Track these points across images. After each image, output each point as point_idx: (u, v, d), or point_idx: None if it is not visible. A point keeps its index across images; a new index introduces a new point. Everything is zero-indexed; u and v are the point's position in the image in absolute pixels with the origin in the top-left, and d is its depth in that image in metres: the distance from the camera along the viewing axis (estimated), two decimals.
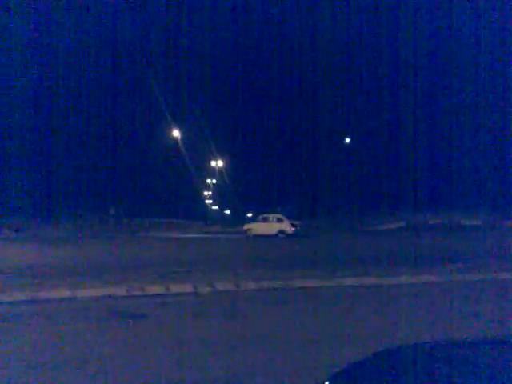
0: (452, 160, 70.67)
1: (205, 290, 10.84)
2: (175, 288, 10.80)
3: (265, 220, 32.11)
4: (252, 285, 11.27)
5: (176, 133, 49.47)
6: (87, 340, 6.87)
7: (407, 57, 74.54)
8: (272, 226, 31.44)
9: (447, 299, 10.06)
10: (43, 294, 9.99)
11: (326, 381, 1.79)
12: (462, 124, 70.75)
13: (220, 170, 64.97)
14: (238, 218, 74.88)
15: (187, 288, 10.87)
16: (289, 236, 30.99)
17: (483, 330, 7.04)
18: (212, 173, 67.01)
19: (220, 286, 11.08)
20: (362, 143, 70.68)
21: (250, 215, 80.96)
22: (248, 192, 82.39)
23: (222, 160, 63.98)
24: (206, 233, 46.44)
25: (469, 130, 69.27)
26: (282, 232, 31.26)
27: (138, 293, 10.41)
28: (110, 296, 10.14)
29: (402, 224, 43.10)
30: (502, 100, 65.84)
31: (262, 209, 73.10)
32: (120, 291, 10.38)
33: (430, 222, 43.42)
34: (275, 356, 5.96)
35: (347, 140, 57.33)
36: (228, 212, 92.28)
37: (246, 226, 33.55)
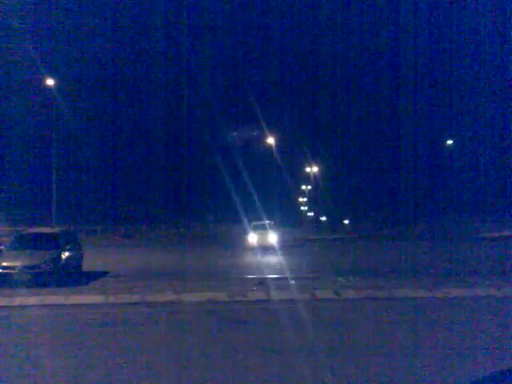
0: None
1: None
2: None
3: None
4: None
5: (271, 140, 50.04)
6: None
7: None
8: None
9: None
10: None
11: None
12: None
13: (315, 175, 64.70)
14: (334, 225, 74.01)
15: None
16: None
17: None
18: (307, 179, 66.94)
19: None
20: (466, 147, 66.90)
21: (346, 222, 79.69)
22: (345, 198, 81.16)
23: (318, 166, 63.68)
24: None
25: None
26: None
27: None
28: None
29: (509, 232, 40.04)
30: None
31: (359, 215, 71.56)
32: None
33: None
34: None
35: (449, 142, 54.44)
36: (324, 219, 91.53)
37: None
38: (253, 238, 26.06)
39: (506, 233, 39.36)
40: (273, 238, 26.22)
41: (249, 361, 6.23)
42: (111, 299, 10.55)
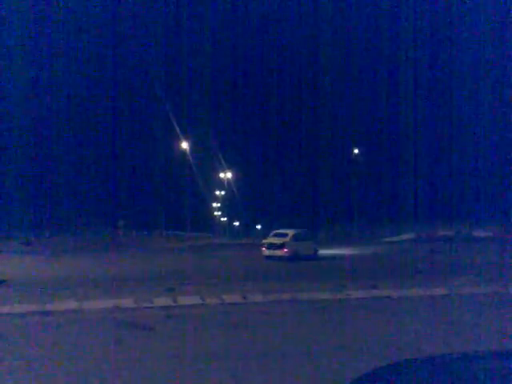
0: (464, 171, 70.43)
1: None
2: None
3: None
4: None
5: (184, 144, 49.63)
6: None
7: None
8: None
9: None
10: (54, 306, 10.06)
11: None
12: (470, 132, 70.58)
13: (229, 181, 65.09)
14: (247, 230, 74.90)
15: None
16: None
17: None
18: (221, 184, 67.19)
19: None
20: (371, 154, 70.52)
21: (258, 227, 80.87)
22: (257, 203, 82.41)
23: (231, 171, 64.11)
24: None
25: (476, 139, 69.10)
26: None
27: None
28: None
29: (412, 236, 42.83)
30: None
31: (272, 221, 72.92)
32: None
33: (441, 234, 43.18)
34: None
35: (356, 151, 57.21)
36: (237, 224, 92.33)
37: None
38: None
39: (407, 236, 42.00)
40: None
41: (155, 369, 6.09)
42: (5, 309, 9.87)
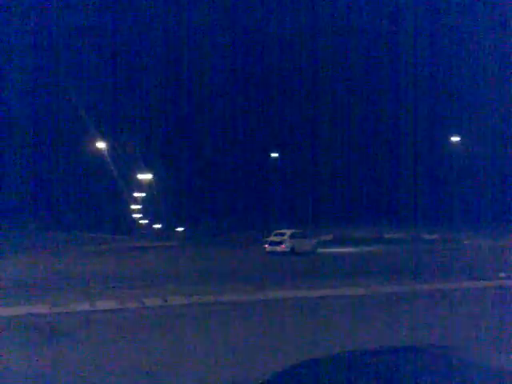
0: (383, 173, 73.95)
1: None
2: None
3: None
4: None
5: (101, 144, 47.57)
6: None
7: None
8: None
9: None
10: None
11: None
12: (386, 137, 74.33)
13: (149, 182, 63.78)
14: (169, 233, 73.85)
15: None
16: None
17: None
18: (141, 186, 65.67)
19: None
20: (292, 156, 72.16)
21: (181, 229, 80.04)
22: (179, 205, 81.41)
23: (152, 172, 62.84)
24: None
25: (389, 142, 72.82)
26: None
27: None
28: None
29: (330, 237, 44.32)
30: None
31: (196, 223, 72.38)
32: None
33: (357, 235, 45.08)
34: None
35: (274, 155, 58.25)
36: (159, 226, 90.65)
37: None
38: None
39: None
40: None
41: (69, 378, 5.88)
42: None
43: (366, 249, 32.75)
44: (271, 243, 27.57)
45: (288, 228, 29.55)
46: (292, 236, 27.42)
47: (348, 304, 11.03)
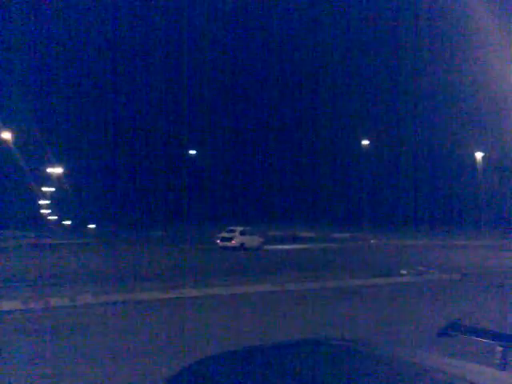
0: (293, 174, 75.90)
1: None
2: None
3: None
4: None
5: (6, 135, 44.04)
6: None
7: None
8: None
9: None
10: None
11: None
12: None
13: (59, 177, 60.67)
14: (80, 229, 70.82)
15: None
16: None
17: None
18: (50, 180, 62.29)
19: None
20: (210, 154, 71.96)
21: (92, 226, 77.00)
22: (91, 202, 78.32)
23: (62, 166, 59.80)
24: None
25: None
26: None
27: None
28: None
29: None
30: None
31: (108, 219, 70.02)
32: None
33: (270, 234, 45.96)
34: None
35: (192, 152, 57.95)
36: (69, 223, 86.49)
37: None
38: None
39: None
40: None
41: None
42: None
43: (286, 247, 33.52)
44: (223, 239, 29.70)
45: (236, 226, 32.02)
46: (242, 233, 29.62)
47: (260, 300, 11.26)
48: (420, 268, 16.99)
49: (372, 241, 40.12)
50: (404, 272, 16.15)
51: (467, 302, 11.05)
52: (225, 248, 28.72)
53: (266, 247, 30.87)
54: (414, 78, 75.23)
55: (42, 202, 72.91)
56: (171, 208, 69.56)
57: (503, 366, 2.57)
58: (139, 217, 66.62)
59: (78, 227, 76.63)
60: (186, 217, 61.32)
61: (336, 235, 45.97)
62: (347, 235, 45.53)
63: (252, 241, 29.87)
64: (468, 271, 16.97)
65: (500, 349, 2.61)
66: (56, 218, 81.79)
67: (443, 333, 2.93)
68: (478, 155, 50.76)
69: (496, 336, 2.71)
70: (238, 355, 2.28)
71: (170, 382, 2.02)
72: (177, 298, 11.38)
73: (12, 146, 45.22)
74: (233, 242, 28.98)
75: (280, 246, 33.38)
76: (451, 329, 2.87)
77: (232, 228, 30.92)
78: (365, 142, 49.77)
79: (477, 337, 2.80)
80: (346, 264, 19.41)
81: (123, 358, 6.44)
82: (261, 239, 30.85)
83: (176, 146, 73.45)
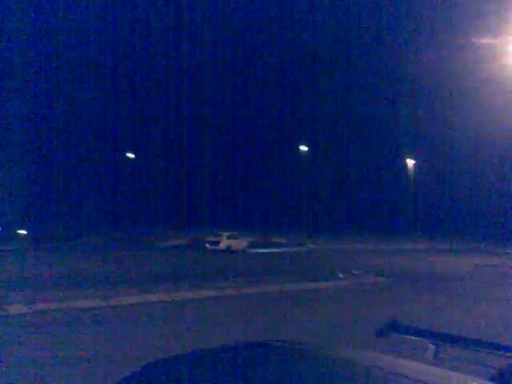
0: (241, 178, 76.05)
1: None
2: None
3: None
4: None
5: None
6: None
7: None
8: None
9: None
10: None
11: None
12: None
13: None
14: (8, 235, 67.25)
15: None
16: None
17: None
18: None
19: None
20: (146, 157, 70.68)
21: (23, 232, 73.34)
22: (23, 206, 74.53)
23: None
24: None
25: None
26: None
27: None
28: None
29: (186, 241, 44.19)
30: None
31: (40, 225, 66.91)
32: None
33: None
34: None
35: (130, 155, 56.80)
36: None
37: None
38: None
39: (180, 242, 43.23)
40: None
41: None
42: None
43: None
44: (211, 243, 31.76)
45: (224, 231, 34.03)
46: (229, 237, 31.82)
47: (196, 306, 11.20)
48: (356, 272, 17.55)
49: (310, 245, 40.87)
50: (341, 276, 16.62)
51: (400, 304, 11.54)
52: (214, 251, 30.44)
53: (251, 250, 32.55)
54: (350, 82, 77.52)
55: None
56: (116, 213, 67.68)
57: (436, 363, 2.73)
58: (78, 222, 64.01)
59: (5, 232, 72.75)
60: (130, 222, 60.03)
61: (275, 240, 46.35)
62: (285, 240, 45.99)
63: (238, 244, 31.85)
64: (402, 274, 17.75)
65: (433, 346, 2.78)
66: None
67: (381, 332, 3.07)
68: (410, 162, 53.17)
69: (429, 334, 2.88)
70: (180, 359, 2.27)
71: None
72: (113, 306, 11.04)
73: None
74: (221, 245, 30.96)
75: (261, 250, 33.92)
76: (388, 328, 3.02)
77: (219, 233, 32.85)
78: (303, 148, 50.79)
79: (412, 336, 2.96)
80: (287, 269, 19.68)
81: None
82: (245, 243, 32.82)
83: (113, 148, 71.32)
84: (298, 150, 51.24)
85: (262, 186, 74.41)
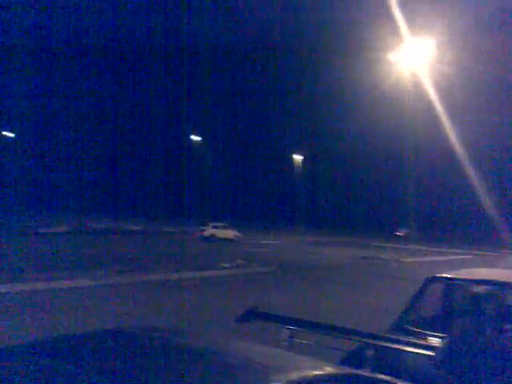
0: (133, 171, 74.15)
1: None
2: None
3: None
4: None
5: None
6: None
7: None
8: None
9: None
10: None
11: None
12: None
13: None
14: None
15: None
16: None
17: None
18: None
19: None
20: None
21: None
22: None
23: None
24: None
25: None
26: None
27: None
28: None
29: (66, 228, 42.01)
30: None
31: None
32: None
33: (95, 227, 43.74)
34: None
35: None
36: None
37: None
38: None
39: (62, 229, 41.03)
40: None
41: None
42: None
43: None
44: (201, 231, 35.06)
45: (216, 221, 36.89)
46: (214, 227, 35.02)
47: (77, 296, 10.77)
48: (240, 261, 17.91)
49: (198, 235, 40.81)
50: (225, 265, 16.87)
51: (272, 291, 12.11)
52: (202, 238, 33.82)
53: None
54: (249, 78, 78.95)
55: None
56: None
57: (289, 347, 2.89)
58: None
59: None
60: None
61: (167, 229, 45.69)
62: (177, 229, 45.47)
63: (224, 233, 34.57)
64: (287, 265, 18.53)
65: (287, 332, 2.93)
66: None
67: (241, 319, 3.19)
68: (297, 158, 55.31)
69: (285, 320, 3.04)
70: (29, 347, 2.17)
71: None
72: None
73: None
74: (203, 232, 34.41)
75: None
76: (248, 315, 3.14)
77: (215, 224, 36.08)
78: (196, 138, 50.63)
79: (269, 321, 3.10)
80: (173, 257, 19.45)
81: None
82: (235, 232, 35.23)
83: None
84: (191, 141, 50.82)
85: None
